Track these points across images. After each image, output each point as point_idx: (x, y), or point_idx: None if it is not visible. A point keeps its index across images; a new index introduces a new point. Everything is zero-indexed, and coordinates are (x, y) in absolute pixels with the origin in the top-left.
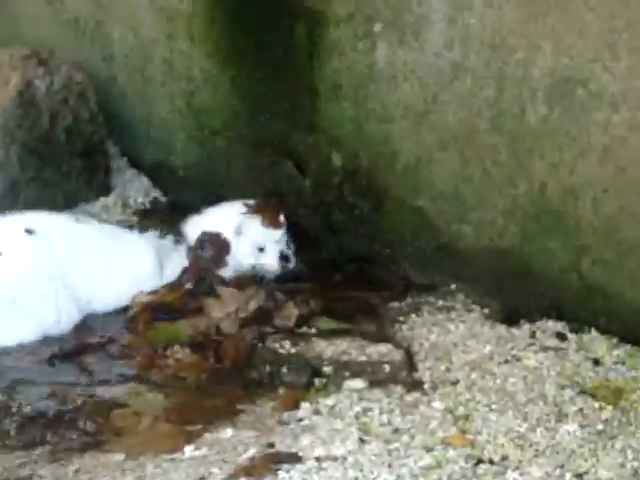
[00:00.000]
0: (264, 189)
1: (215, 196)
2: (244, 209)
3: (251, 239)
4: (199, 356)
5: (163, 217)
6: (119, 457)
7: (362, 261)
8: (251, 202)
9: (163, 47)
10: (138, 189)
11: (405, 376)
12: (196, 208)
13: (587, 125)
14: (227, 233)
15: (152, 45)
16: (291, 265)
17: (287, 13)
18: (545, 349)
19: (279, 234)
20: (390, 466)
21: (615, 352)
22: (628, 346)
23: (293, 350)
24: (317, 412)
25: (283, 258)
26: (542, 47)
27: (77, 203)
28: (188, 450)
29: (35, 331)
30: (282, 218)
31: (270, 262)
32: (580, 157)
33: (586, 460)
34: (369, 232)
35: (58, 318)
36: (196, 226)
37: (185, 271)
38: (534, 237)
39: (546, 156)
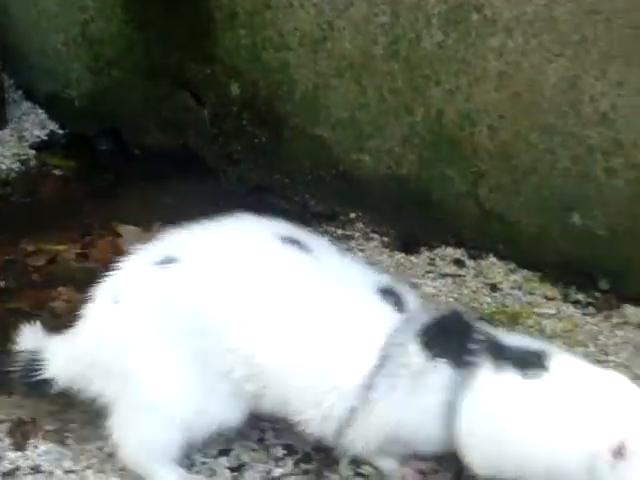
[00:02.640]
0: (161, 120)
1: (112, 128)
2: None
3: None
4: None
5: (61, 150)
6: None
7: (262, 191)
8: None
9: None
10: (34, 122)
11: None
12: None
13: (482, 51)
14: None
15: None
16: None
17: None
18: (443, 276)
19: None
20: None
21: (512, 277)
22: (525, 271)
23: None
24: None
25: None
26: None
27: None
28: None
29: None
30: None
31: None
32: (476, 83)
33: None
34: (268, 161)
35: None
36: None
37: None
38: (432, 164)
39: (442, 83)
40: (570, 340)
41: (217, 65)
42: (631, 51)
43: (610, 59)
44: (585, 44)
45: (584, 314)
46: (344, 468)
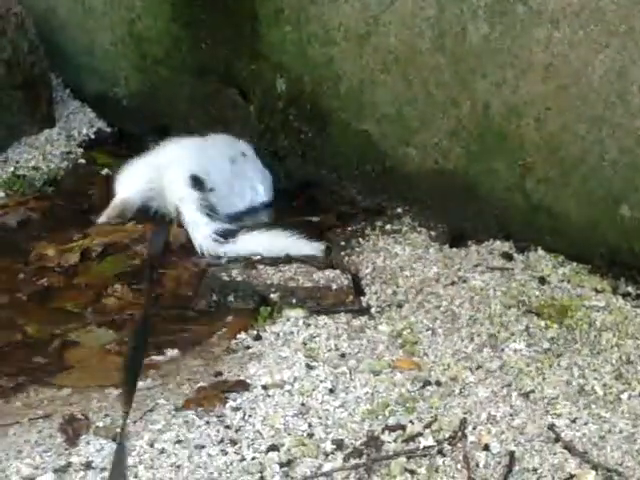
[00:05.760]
0: (209, 117)
1: (160, 126)
2: None
3: None
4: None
5: (109, 148)
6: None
7: (309, 186)
8: None
9: None
10: (82, 120)
11: (352, 301)
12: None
13: (528, 43)
14: None
15: None
16: None
17: None
18: (491, 269)
19: None
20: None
21: (561, 270)
22: (574, 264)
23: (240, 278)
24: (264, 339)
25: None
26: None
27: (20, 136)
28: None
29: None
30: None
31: None
32: (522, 76)
33: (532, 379)
34: (315, 157)
35: None
36: None
37: None
38: (479, 158)
39: (488, 75)
40: (620, 333)
41: (263, 61)
42: None
43: None
44: (632, 34)
45: (634, 306)
46: (395, 465)
